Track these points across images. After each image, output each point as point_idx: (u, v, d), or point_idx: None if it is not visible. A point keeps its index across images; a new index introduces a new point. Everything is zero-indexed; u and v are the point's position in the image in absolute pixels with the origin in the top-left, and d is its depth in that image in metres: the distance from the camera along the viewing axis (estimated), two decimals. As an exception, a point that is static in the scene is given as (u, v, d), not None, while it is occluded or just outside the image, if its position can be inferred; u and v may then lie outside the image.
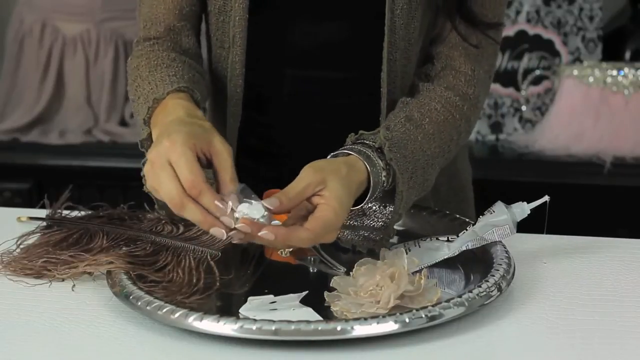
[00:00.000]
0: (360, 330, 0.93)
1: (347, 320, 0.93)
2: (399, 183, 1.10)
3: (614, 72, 2.19)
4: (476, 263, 1.11)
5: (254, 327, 0.92)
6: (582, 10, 2.27)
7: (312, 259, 1.12)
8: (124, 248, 1.12)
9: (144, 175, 1.05)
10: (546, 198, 1.09)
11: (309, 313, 1.00)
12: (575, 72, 2.21)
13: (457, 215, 1.22)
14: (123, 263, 1.07)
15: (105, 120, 2.37)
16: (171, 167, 1.00)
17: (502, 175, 2.16)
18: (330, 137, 1.14)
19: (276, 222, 1.02)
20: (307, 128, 1.31)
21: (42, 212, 1.26)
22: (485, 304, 0.99)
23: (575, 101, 2.21)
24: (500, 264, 1.05)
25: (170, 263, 1.09)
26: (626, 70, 2.19)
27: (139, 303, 0.99)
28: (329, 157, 1.11)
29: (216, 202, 0.99)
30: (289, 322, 0.93)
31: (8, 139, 2.35)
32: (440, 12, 1.25)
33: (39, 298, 1.06)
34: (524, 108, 2.29)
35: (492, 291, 1.00)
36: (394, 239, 1.18)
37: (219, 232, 1.00)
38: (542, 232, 1.19)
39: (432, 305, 0.96)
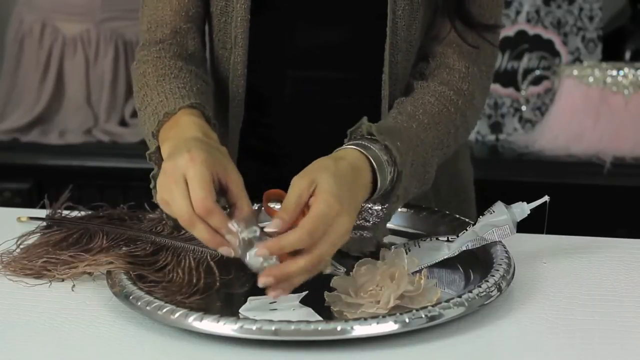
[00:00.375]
0: (360, 330, 0.93)
1: (347, 320, 0.93)
2: (398, 163, 1.08)
3: (614, 72, 2.19)
4: (476, 263, 1.11)
5: (254, 327, 0.92)
6: (582, 10, 2.27)
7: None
8: (124, 248, 1.12)
9: (154, 187, 1.05)
10: (546, 198, 1.09)
11: (309, 313, 1.00)
12: (575, 72, 2.21)
13: (457, 216, 1.22)
14: (123, 263, 1.07)
15: (105, 120, 2.37)
16: (185, 183, 0.98)
17: (502, 175, 2.16)
18: (331, 138, 1.13)
19: (273, 261, 0.98)
20: (308, 129, 1.31)
21: (42, 212, 1.26)
22: (485, 304, 0.99)
23: (575, 101, 2.21)
24: (500, 264, 1.05)
25: (170, 263, 1.09)
26: (626, 70, 2.19)
27: (139, 303, 0.99)
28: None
29: (229, 224, 0.98)
30: (289, 322, 0.93)
31: (8, 139, 2.35)
32: (439, 13, 1.25)
33: (39, 298, 1.06)
34: (523, 108, 2.29)
35: (492, 291, 1.00)
36: (392, 238, 1.18)
37: (227, 251, 0.99)
38: (542, 232, 1.19)
39: (432, 305, 0.96)
